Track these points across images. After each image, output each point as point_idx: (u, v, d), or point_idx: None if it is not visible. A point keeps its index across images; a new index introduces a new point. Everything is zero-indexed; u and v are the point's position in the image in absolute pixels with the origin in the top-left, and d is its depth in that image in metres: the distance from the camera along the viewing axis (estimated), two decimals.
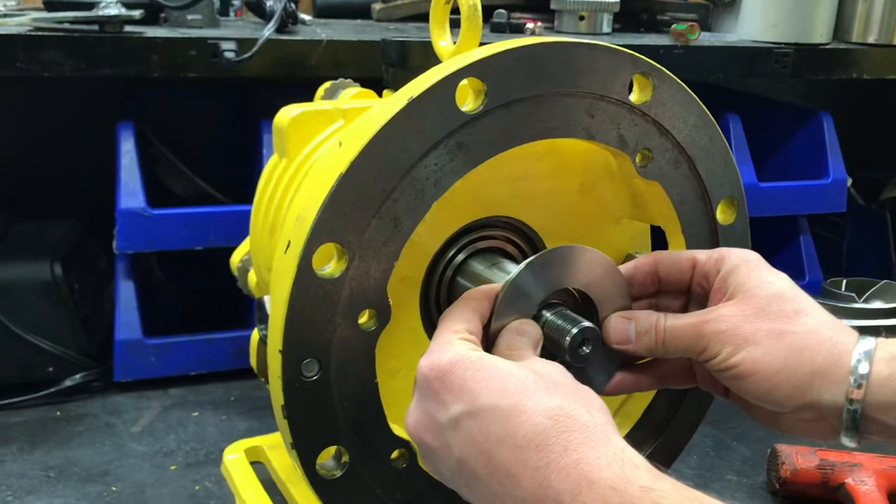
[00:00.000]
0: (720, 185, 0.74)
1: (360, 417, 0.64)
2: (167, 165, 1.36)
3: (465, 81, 0.61)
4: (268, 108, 1.28)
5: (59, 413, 1.16)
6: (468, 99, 0.62)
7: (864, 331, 0.60)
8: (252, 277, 0.97)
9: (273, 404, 0.62)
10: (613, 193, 0.77)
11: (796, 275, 1.55)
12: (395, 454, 0.67)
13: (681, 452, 0.82)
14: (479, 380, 0.53)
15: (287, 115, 0.86)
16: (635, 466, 0.48)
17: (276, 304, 0.60)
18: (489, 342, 0.62)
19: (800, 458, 1.02)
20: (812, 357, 0.58)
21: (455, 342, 0.57)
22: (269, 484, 0.96)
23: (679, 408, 0.79)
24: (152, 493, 0.99)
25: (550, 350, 0.63)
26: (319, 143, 0.85)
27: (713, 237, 0.75)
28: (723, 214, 0.75)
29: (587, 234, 0.79)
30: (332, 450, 0.64)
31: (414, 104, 0.59)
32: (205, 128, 1.53)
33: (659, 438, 0.80)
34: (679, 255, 0.68)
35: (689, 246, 0.74)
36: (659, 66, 0.68)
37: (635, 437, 0.79)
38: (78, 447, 1.08)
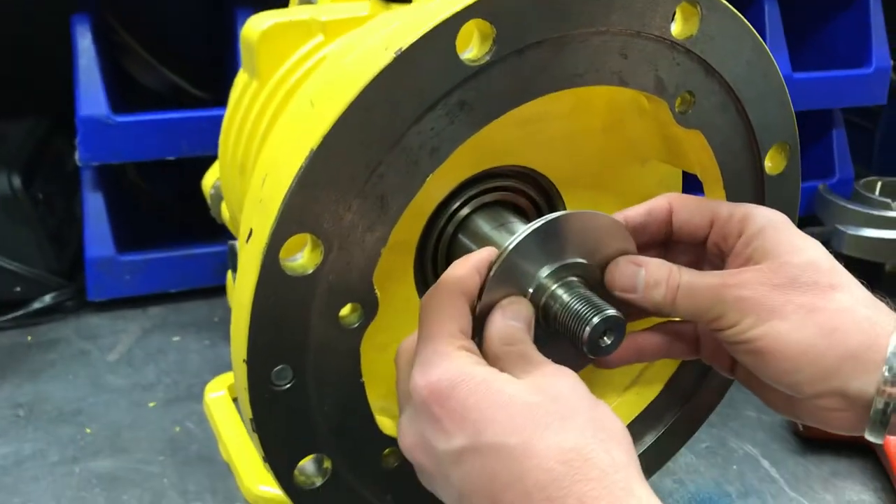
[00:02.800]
0: (772, 130, 0.62)
1: (343, 421, 0.55)
2: (135, 56, 1.21)
3: (468, 24, 0.48)
4: None
5: (29, 338, 1.08)
6: (472, 45, 0.49)
7: None
8: (226, 210, 0.86)
9: (241, 416, 0.53)
10: (643, 131, 0.65)
11: (826, 172, 1.43)
12: (386, 452, 0.58)
13: (704, 421, 0.74)
14: (483, 409, 0.45)
15: (256, 27, 0.72)
16: None
17: (238, 307, 0.50)
18: (478, 319, 0.52)
19: None
20: (844, 339, 0.50)
21: (453, 354, 0.48)
22: None
23: (706, 375, 0.71)
24: (129, 436, 0.92)
25: (560, 332, 0.54)
26: (296, 63, 0.72)
27: (758, 189, 0.64)
28: (772, 162, 0.64)
29: (610, 178, 0.69)
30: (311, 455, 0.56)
31: (403, 58, 0.47)
32: (177, 12, 1.37)
33: (683, 406, 0.72)
34: (697, 208, 0.58)
35: (731, 199, 0.63)
36: None
37: (657, 409, 0.71)
38: (50, 379, 1.01)
